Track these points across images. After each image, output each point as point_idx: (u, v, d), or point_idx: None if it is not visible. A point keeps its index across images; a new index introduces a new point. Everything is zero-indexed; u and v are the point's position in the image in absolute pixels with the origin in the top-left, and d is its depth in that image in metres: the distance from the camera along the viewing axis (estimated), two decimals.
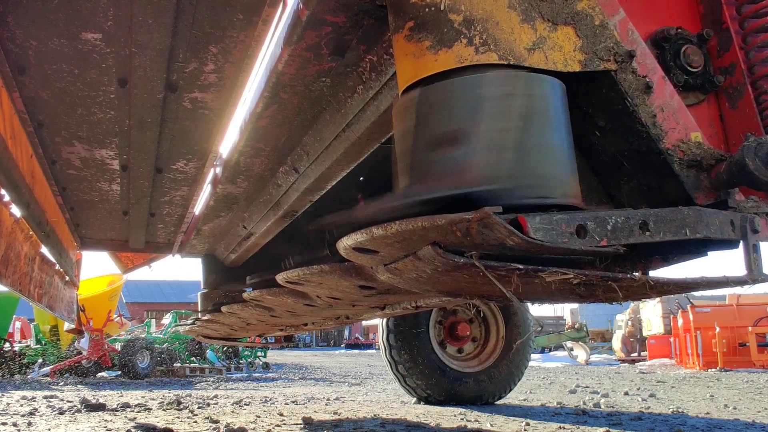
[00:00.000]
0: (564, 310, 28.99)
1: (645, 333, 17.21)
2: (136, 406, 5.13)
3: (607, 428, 3.46)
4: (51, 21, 1.77)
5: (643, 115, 1.30)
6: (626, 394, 6.25)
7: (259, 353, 14.40)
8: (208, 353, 13.30)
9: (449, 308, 4.86)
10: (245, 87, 2.09)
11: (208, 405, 5.24)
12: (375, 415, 4.23)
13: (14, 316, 14.20)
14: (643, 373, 11.26)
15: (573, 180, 1.20)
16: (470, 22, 1.17)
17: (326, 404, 5.27)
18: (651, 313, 17.16)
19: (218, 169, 2.82)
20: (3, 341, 12.75)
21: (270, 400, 5.84)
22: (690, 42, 1.46)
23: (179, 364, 12.40)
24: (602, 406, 4.89)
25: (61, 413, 4.63)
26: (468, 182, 1.14)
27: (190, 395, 6.64)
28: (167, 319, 14.49)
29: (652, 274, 1.48)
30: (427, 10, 1.21)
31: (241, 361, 13.98)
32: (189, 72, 2.03)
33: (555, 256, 1.16)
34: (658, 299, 15.43)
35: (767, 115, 1.47)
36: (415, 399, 4.89)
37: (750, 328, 11.99)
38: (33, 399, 6.20)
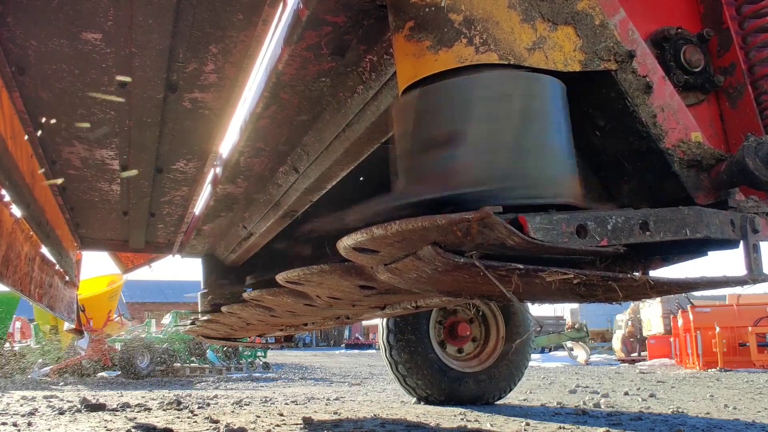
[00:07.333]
0: (564, 310, 29.00)
1: (645, 333, 17.20)
2: (136, 406, 5.13)
3: (607, 428, 3.45)
4: (51, 21, 1.77)
5: (643, 115, 1.29)
6: (626, 394, 6.25)
7: (259, 353, 14.39)
8: (208, 353, 13.30)
9: (449, 308, 4.86)
10: (245, 87, 2.09)
11: (208, 405, 5.24)
12: (375, 415, 4.23)
13: (14, 316, 14.21)
14: (643, 373, 11.26)
15: (569, 179, 1.20)
16: (470, 22, 1.17)
17: (326, 404, 5.26)
18: (651, 313, 17.15)
19: (218, 169, 2.82)
20: (3, 341, 12.74)
21: (270, 400, 5.84)
22: (690, 42, 1.46)
23: (179, 364, 12.40)
24: (602, 406, 4.89)
25: (61, 413, 4.63)
26: (458, 184, 1.14)
27: (190, 395, 6.64)
28: (167, 319, 14.49)
29: (653, 274, 1.48)
30: (427, 9, 1.20)
31: (241, 361, 13.98)
32: (189, 72, 2.03)
33: (555, 256, 1.16)
34: (658, 299, 15.43)
35: (767, 115, 1.47)
36: (415, 399, 4.89)
37: (750, 328, 11.98)
38: (33, 399, 6.20)
